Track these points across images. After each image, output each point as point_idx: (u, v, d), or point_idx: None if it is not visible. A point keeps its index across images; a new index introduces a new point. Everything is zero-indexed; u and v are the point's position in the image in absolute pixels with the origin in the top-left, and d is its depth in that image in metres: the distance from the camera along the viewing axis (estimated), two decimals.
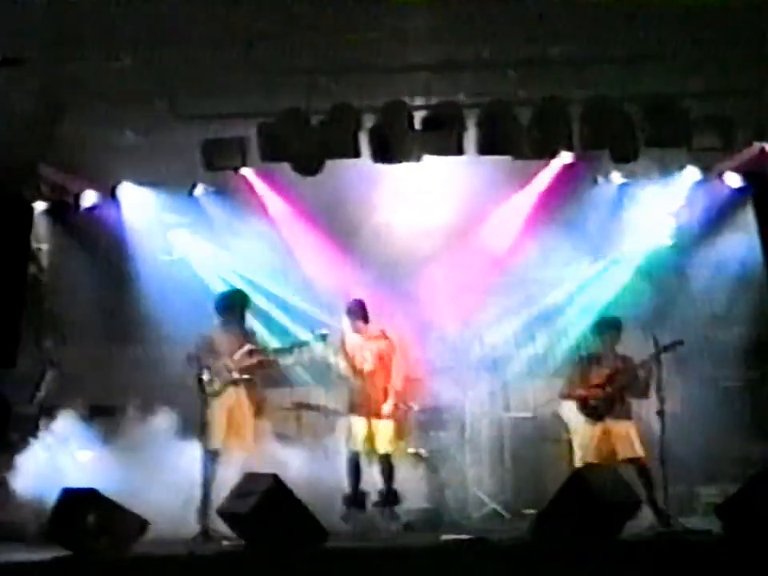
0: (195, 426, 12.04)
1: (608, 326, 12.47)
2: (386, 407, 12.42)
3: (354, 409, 12.51)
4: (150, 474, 12.49)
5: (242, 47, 11.95)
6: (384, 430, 12.39)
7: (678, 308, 13.61)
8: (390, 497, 12.38)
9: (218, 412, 12.19)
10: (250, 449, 12.29)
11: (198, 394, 11.91)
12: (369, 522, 12.26)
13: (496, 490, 13.05)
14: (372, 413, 12.39)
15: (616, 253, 14.10)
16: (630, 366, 12.21)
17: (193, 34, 11.69)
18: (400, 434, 12.62)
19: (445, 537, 11.44)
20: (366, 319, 12.61)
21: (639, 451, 12.03)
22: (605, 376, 12.29)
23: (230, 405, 12.30)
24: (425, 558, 10.68)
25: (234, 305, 12.58)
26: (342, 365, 12.63)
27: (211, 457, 12.04)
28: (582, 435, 12.39)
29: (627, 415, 12.25)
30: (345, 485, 12.45)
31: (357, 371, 12.55)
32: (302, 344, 12.69)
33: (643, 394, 12.11)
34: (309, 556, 10.52)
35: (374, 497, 12.45)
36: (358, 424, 12.41)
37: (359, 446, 12.41)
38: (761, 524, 10.34)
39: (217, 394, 12.19)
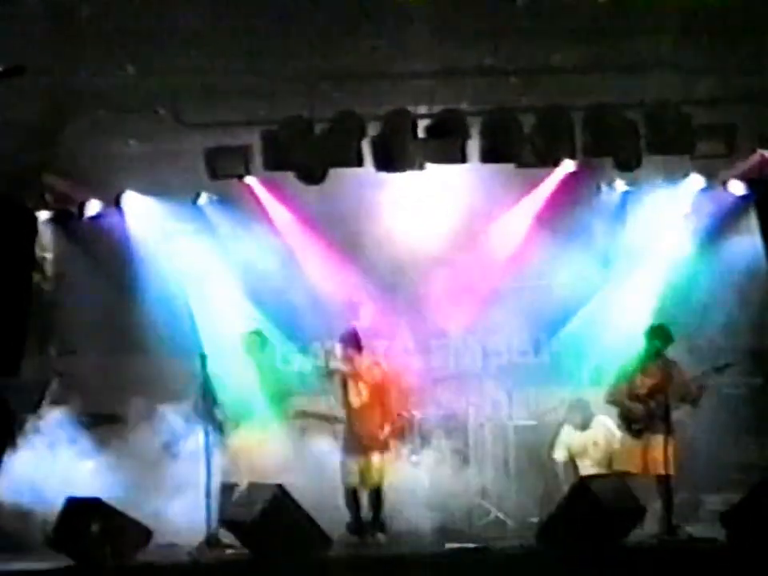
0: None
1: (656, 334, 12.34)
2: (380, 440, 12.22)
3: (347, 449, 12.32)
4: (153, 483, 12.51)
5: (245, 55, 11.98)
6: (376, 464, 12.19)
7: (681, 315, 13.58)
8: (376, 525, 12.22)
9: None
10: None
11: None
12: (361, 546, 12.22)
13: (500, 498, 13.02)
14: (365, 450, 12.20)
15: (620, 261, 14.06)
16: (679, 376, 12.08)
17: (196, 42, 11.73)
18: (392, 463, 12.43)
19: (449, 545, 11.43)
20: (359, 349, 12.42)
21: (669, 470, 11.75)
22: (649, 386, 12.17)
23: None
24: (429, 566, 10.70)
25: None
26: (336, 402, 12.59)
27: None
28: (620, 447, 12.45)
29: (668, 430, 11.91)
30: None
31: (350, 409, 12.36)
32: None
33: (693, 403, 12.09)
34: (313, 564, 10.54)
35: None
36: (351, 463, 12.23)
37: (354, 483, 12.27)
38: (765, 532, 10.33)
39: None
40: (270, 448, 12.25)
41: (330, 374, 12.49)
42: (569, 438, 13.16)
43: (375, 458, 12.18)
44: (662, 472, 11.78)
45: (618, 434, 12.67)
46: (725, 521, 10.90)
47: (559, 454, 13.16)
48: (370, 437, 12.20)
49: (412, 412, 13.02)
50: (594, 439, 13.06)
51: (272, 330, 13.66)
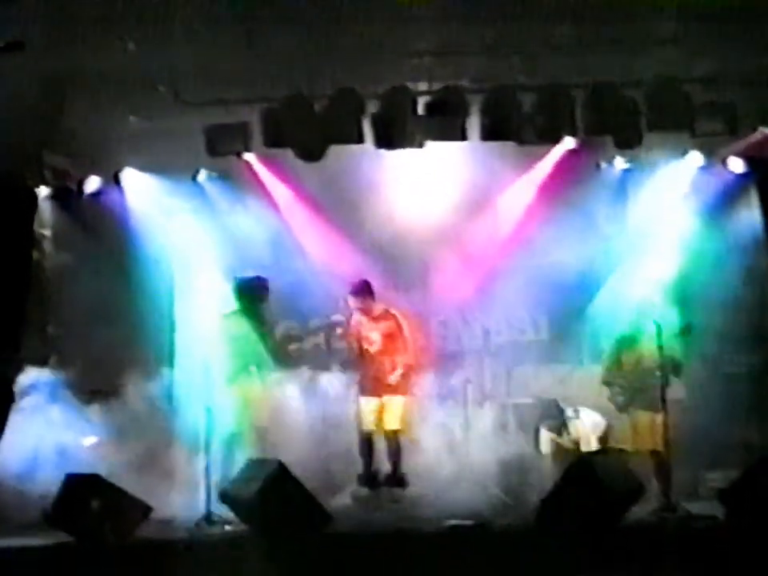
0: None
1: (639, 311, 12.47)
2: (393, 378, 12.46)
3: (363, 390, 12.63)
4: (152, 459, 12.54)
5: (245, 32, 11.94)
6: (393, 406, 12.48)
7: (680, 293, 13.58)
8: (396, 479, 12.44)
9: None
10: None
11: None
12: (376, 500, 12.32)
13: (499, 476, 13.02)
14: (381, 391, 12.50)
15: (620, 239, 14.06)
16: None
17: (196, 19, 11.69)
18: (410, 410, 12.64)
19: (448, 522, 11.44)
20: (372, 298, 12.69)
21: (658, 445, 11.92)
22: (633, 362, 12.30)
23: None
24: (428, 543, 10.72)
25: (252, 291, 12.66)
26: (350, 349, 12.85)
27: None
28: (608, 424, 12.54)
29: (653, 405, 12.05)
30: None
31: (364, 353, 12.68)
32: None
33: (675, 372, 12.13)
34: (312, 541, 10.55)
35: (380, 477, 12.55)
36: (368, 404, 12.53)
37: (370, 425, 12.53)
38: (764, 509, 10.35)
39: None
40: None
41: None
42: (548, 440, 13.23)
43: (391, 400, 12.46)
44: (652, 447, 11.95)
45: (603, 423, 12.75)
46: (724, 498, 10.91)
47: (545, 448, 13.22)
48: (386, 379, 12.49)
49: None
50: (573, 441, 13.12)
51: (270, 307, 13.64)
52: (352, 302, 12.76)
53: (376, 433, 12.60)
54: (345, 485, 12.59)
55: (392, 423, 12.51)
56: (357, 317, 12.79)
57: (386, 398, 12.52)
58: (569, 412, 13.17)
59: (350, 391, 12.96)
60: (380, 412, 12.53)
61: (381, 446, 12.68)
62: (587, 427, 13.05)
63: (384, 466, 12.67)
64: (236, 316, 12.67)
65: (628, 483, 11.08)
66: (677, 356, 12.06)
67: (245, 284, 12.81)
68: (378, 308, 12.74)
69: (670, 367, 12.03)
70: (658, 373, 11.78)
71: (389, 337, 12.63)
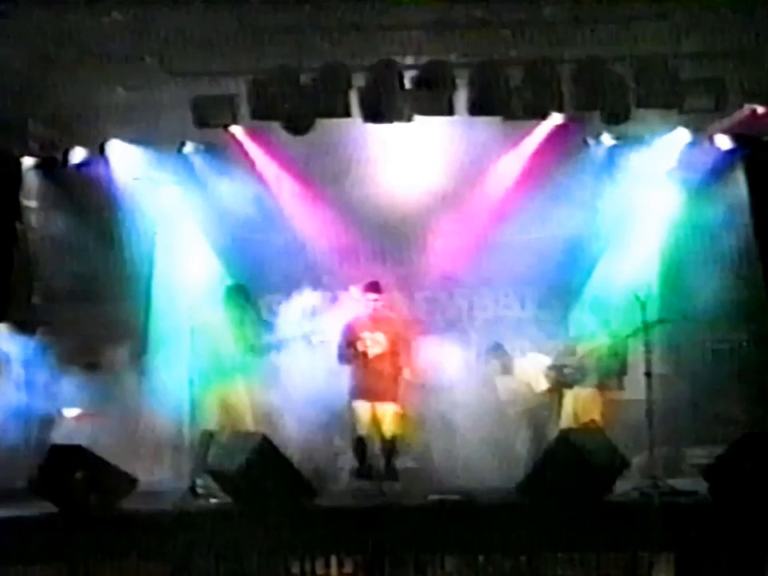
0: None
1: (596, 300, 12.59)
2: (393, 389, 12.22)
3: (359, 393, 12.29)
4: (136, 431, 12.55)
5: (233, 4, 11.89)
6: (390, 413, 12.20)
7: (666, 270, 13.62)
8: (389, 473, 12.19)
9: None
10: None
11: None
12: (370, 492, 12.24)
13: (484, 451, 13.06)
14: (378, 396, 12.22)
15: (607, 215, 14.06)
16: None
17: None
18: (407, 416, 12.45)
19: (432, 497, 11.46)
20: (380, 299, 12.41)
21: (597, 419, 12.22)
22: (589, 347, 12.45)
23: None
24: (412, 517, 10.75)
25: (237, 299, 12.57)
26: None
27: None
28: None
29: (598, 386, 12.41)
30: None
31: (361, 355, 12.31)
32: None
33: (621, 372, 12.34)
34: (297, 514, 10.58)
35: (374, 471, 12.29)
36: (363, 408, 12.24)
37: (364, 430, 12.26)
38: (746, 485, 10.40)
39: None
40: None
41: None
42: (504, 386, 13.30)
43: (388, 407, 12.20)
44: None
45: (543, 380, 12.89)
46: (707, 474, 10.96)
47: (503, 395, 13.30)
48: (384, 385, 12.21)
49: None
50: (525, 383, 13.22)
51: (254, 281, 13.61)
52: (366, 298, 12.42)
53: (370, 436, 12.32)
54: (336, 480, 12.46)
55: (390, 430, 12.23)
56: (361, 316, 12.45)
57: (383, 404, 12.21)
58: (513, 353, 13.18)
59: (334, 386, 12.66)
60: (376, 418, 12.22)
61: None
62: (534, 366, 13.05)
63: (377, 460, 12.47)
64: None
65: (611, 458, 11.11)
66: (624, 357, 12.21)
67: (233, 291, 12.69)
68: (384, 311, 12.49)
69: (617, 368, 12.25)
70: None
71: (392, 341, 12.31)
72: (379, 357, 12.28)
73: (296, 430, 12.41)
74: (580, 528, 10.34)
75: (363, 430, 12.26)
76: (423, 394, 13.00)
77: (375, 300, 12.38)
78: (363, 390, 12.26)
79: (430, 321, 13.98)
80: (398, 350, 12.34)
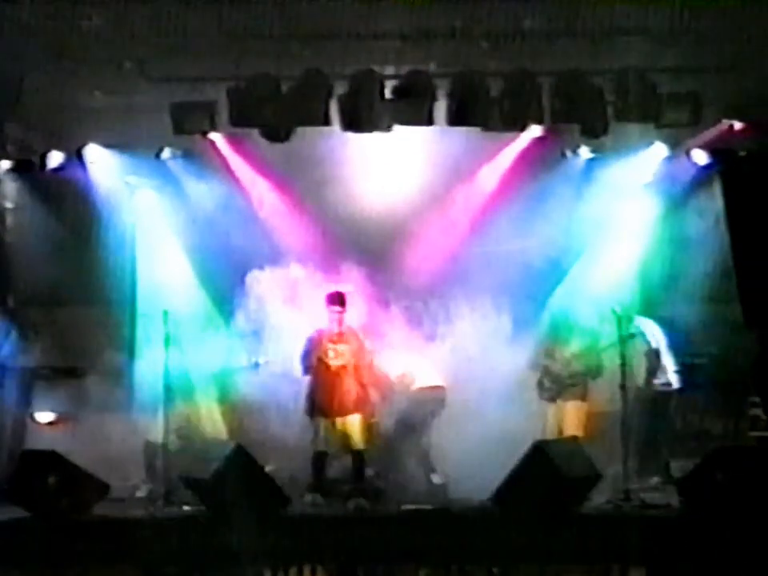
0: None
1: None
2: (353, 403, 12.13)
3: (318, 410, 12.17)
4: (110, 437, 12.51)
5: (212, 10, 11.89)
6: (356, 426, 12.10)
7: (642, 284, 13.66)
8: (358, 489, 11.99)
9: None
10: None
11: None
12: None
13: (460, 459, 13.05)
14: (342, 410, 12.12)
15: (583, 227, 14.09)
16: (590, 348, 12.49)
17: None
18: (370, 427, 12.34)
19: (406, 506, 11.47)
20: (344, 311, 12.30)
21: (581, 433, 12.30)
22: (570, 354, 12.56)
23: None
24: (386, 526, 10.76)
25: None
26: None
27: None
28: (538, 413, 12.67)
29: (581, 395, 12.58)
30: None
31: (322, 368, 12.23)
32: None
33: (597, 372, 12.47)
34: (269, 522, 10.56)
35: (344, 487, 12.24)
36: (325, 425, 12.12)
37: (325, 446, 12.14)
38: (719, 498, 10.44)
39: None
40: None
41: None
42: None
43: (351, 419, 12.10)
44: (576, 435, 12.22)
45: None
46: (680, 487, 11.00)
47: None
48: (345, 399, 12.12)
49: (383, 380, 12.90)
50: None
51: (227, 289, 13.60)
52: (330, 310, 12.30)
53: (329, 452, 12.23)
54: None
55: (358, 444, 12.12)
56: (324, 328, 12.35)
57: (347, 418, 12.11)
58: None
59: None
60: (336, 432, 12.13)
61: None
62: None
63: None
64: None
65: (585, 470, 11.14)
66: (601, 361, 12.38)
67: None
68: (347, 324, 12.37)
69: (594, 370, 12.43)
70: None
71: (353, 353, 12.23)
72: (342, 368, 12.22)
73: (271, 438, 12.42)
74: (553, 539, 10.37)
75: (322, 446, 12.13)
76: (392, 404, 12.97)
77: (339, 312, 12.28)
78: (324, 405, 12.15)
79: (405, 329, 13.96)
80: (360, 362, 12.28)
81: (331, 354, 12.24)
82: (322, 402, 12.18)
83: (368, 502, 11.82)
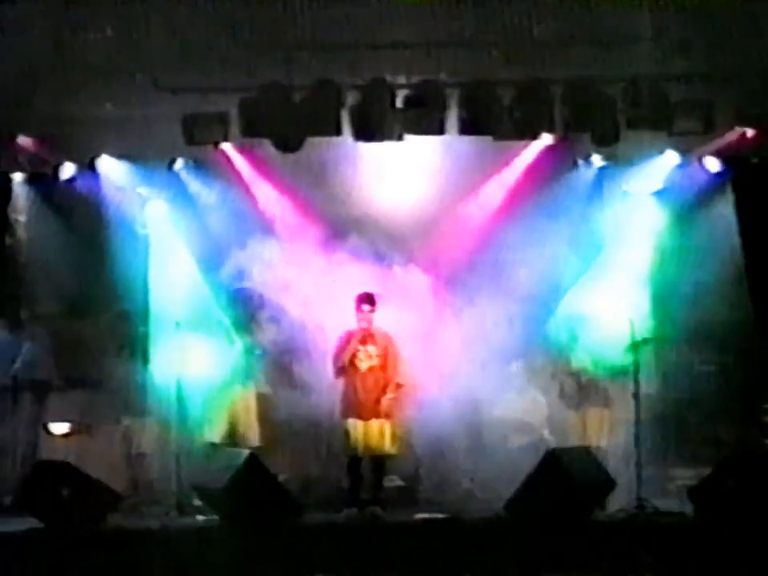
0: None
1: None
2: (384, 406, 12.08)
3: (350, 411, 12.15)
4: (124, 447, 12.53)
5: (224, 21, 11.92)
6: (383, 430, 12.06)
7: (653, 291, 13.63)
8: (376, 499, 12.03)
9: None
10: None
11: None
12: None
13: (471, 469, 13.05)
14: (371, 413, 12.08)
15: (594, 236, 14.07)
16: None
17: (175, 7, 11.66)
18: (398, 432, 12.27)
19: (419, 515, 11.46)
20: (374, 309, 12.31)
21: (605, 440, 12.35)
22: (585, 361, 12.61)
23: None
24: (398, 535, 10.75)
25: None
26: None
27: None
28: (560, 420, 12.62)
29: (603, 402, 12.55)
30: None
31: (352, 370, 12.21)
32: None
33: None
34: (282, 531, 10.56)
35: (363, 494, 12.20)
36: (356, 427, 12.08)
37: (358, 450, 12.10)
38: (731, 506, 10.42)
39: None
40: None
41: None
42: None
43: (385, 423, 12.07)
44: (600, 444, 12.27)
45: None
46: (692, 495, 10.97)
47: None
48: (375, 401, 12.10)
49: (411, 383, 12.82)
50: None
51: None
52: (360, 310, 12.31)
53: (364, 456, 12.16)
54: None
55: (388, 448, 12.09)
56: (353, 329, 12.35)
57: (377, 422, 12.05)
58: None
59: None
60: (368, 435, 12.05)
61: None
62: None
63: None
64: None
65: (598, 478, 11.13)
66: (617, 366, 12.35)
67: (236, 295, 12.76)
68: (377, 325, 12.37)
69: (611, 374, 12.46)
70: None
71: (383, 356, 12.21)
72: (371, 370, 12.21)
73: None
74: (565, 547, 10.36)
75: (355, 450, 12.09)
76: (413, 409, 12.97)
77: (369, 312, 12.30)
78: (353, 408, 12.14)
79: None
80: (388, 363, 12.26)
81: (361, 355, 12.24)
82: (353, 404, 12.16)
83: (383, 511, 11.87)
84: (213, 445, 12.23)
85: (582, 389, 12.62)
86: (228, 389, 12.44)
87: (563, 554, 10.29)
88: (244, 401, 12.49)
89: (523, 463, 11.70)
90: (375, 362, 12.23)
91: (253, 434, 12.45)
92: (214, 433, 12.30)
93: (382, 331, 12.41)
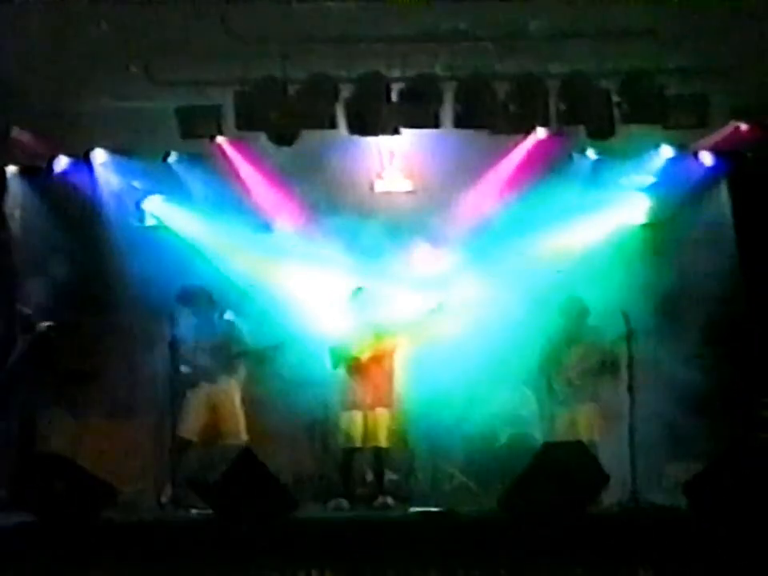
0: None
1: (573, 306, 12.60)
2: (385, 396, 12.09)
3: (350, 404, 12.14)
4: (118, 441, 12.54)
5: (219, 14, 11.90)
6: (384, 421, 12.05)
7: (648, 286, 13.63)
8: (383, 488, 12.11)
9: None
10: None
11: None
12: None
13: (465, 463, 13.07)
14: (371, 405, 12.09)
15: (589, 229, 14.08)
16: (600, 346, 12.35)
17: (171, 1, 11.65)
18: (398, 424, 12.25)
19: (413, 509, 11.46)
20: (369, 304, 12.37)
21: (596, 435, 12.32)
22: (574, 358, 12.49)
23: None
24: (394, 529, 10.74)
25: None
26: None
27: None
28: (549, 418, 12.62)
29: (592, 398, 12.52)
30: None
31: (357, 359, 12.20)
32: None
33: (612, 369, 12.25)
34: (277, 526, 10.56)
35: (360, 489, 12.34)
36: (356, 419, 12.08)
37: (356, 442, 12.11)
38: (726, 501, 10.43)
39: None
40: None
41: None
42: None
43: (381, 415, 12.07)
44: (590, 438, 12.19)
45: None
46: (687, 490, 10.97)
47: None
48: (375, 391, 12.11)
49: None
50: None
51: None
52: (359, 301, 12.43)
53: (360, 448, 12.18)
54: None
55: (386, 441, 12.07)
56: (352, 321, 12.39)
57: (376, 411, 12.06)
58: None
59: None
60: (370, 428, 12.04)
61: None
62: None
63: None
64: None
65: (592, 473, 11.12)
66: (617, 357, 12.22)
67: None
68: (372, 317, 12.36)
69: (610, 366, 12.31)
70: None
71: (382, 345, 12.21)
72: (372, 359, 12.19)
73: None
74: (560, 542, 10.33)
75: (352, 442, 12.10)
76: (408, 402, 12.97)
77: (365, 303, 12.36)
78: (355, 399, 12.14)
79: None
80: (389, 353, 12.26)
81: (360, 346, 12.23)
82: (352, 395, 12.17)
83: (394, 501, 11.95)
84: (188, 441, 12.11)
85: (571, 384, 12.57)
86: (199, 384, 12.35)
87: (557, 548, 10.27)
88: (225, 395, 12.40)
89: (516, 457, 11.77)
90: (374, 352, 12.19)
91: (237, 430, 12.37)
92: (188, 429, 12.19)
93: (379, 323, 12.37)
